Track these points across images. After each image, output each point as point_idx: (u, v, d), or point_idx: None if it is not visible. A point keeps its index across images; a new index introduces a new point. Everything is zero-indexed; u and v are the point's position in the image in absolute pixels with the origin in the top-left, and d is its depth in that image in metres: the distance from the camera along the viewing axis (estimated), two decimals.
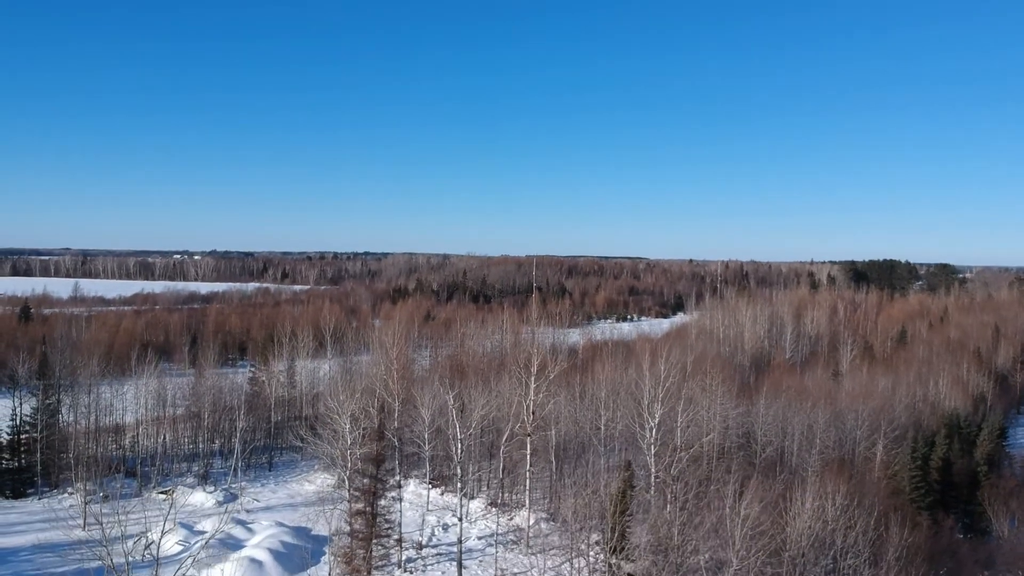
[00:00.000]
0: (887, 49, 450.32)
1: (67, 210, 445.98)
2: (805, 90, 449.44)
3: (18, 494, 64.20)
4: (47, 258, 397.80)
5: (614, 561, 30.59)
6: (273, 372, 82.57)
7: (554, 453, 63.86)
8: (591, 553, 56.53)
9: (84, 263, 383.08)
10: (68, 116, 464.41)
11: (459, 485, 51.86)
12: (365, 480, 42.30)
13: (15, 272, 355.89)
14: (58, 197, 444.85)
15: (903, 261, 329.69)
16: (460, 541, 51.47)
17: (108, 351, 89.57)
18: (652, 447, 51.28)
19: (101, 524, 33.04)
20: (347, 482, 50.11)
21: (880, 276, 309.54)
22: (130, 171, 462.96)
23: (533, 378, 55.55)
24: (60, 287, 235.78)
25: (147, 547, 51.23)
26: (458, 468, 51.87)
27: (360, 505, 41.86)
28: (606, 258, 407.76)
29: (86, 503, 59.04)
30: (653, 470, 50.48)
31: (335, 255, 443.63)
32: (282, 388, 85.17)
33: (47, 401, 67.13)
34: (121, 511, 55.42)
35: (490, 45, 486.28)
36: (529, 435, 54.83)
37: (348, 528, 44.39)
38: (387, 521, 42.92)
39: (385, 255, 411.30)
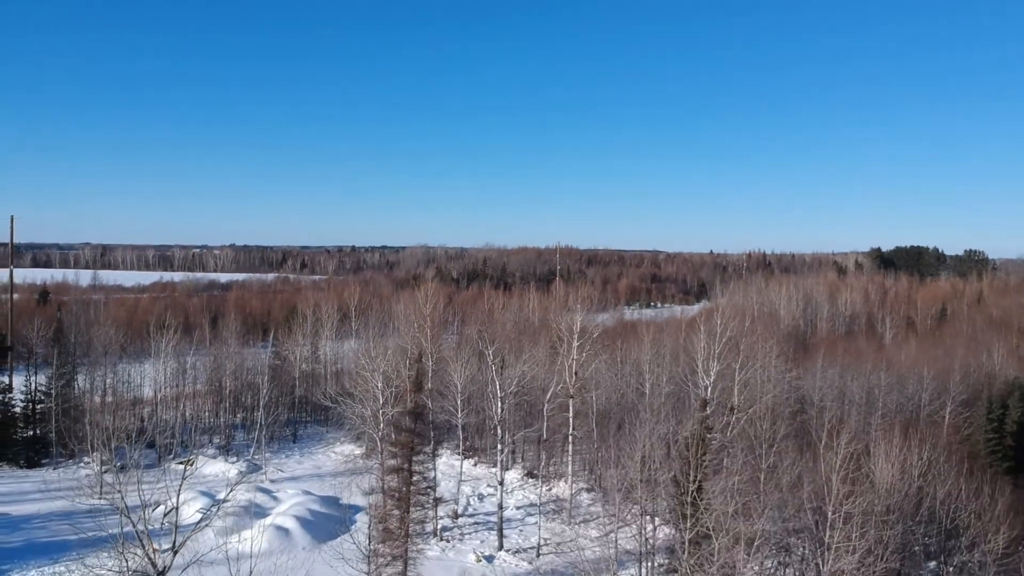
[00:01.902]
0: (907, 38, 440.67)
1: (86, 204, 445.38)
2: (820, 82, 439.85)
3: (32, 463, 61.44)
4: (67, 251, 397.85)
5: (690, 512, 26.96)
6: (297, 342, 79.48)
7: (595, 420, 60.34)
8: (639, 522, 53.00)
9: (103, 254, 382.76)
10: (85, 113, 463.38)
11: (499, 447, 48.34)
12: (402, 434, 38.76)
13: (35, 264, 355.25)
14: (77, 193, 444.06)
15: (930, 248, 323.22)
16: (501, 507, 48.10)
17: (127, 326, 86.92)
18: (708, 407, 47.46)
19: (122, 491, 29.91)
20: (379, 443, 46.77)
21: (907, 263, 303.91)
22: (148, 167, 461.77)
23: (576, 336, 51.87)
24: (79, 277, 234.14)
25: (166, 514, 48.31)
26: (498, 428, 48.31)
27: (396, 461, 38.32)
28: (624, 251, 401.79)
29: (102, 472, 56.21)
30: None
31: (353, 248, 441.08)
32: (306, 363, 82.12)
33: (61, 370, 64.23)
34: (139, 480, 52.44)
35: (502, 39, 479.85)
36: (571, 396, 51.24)
37: (383, 488, 41.00)
38: (425, 479, 39.39)
39: (402, 248, 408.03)
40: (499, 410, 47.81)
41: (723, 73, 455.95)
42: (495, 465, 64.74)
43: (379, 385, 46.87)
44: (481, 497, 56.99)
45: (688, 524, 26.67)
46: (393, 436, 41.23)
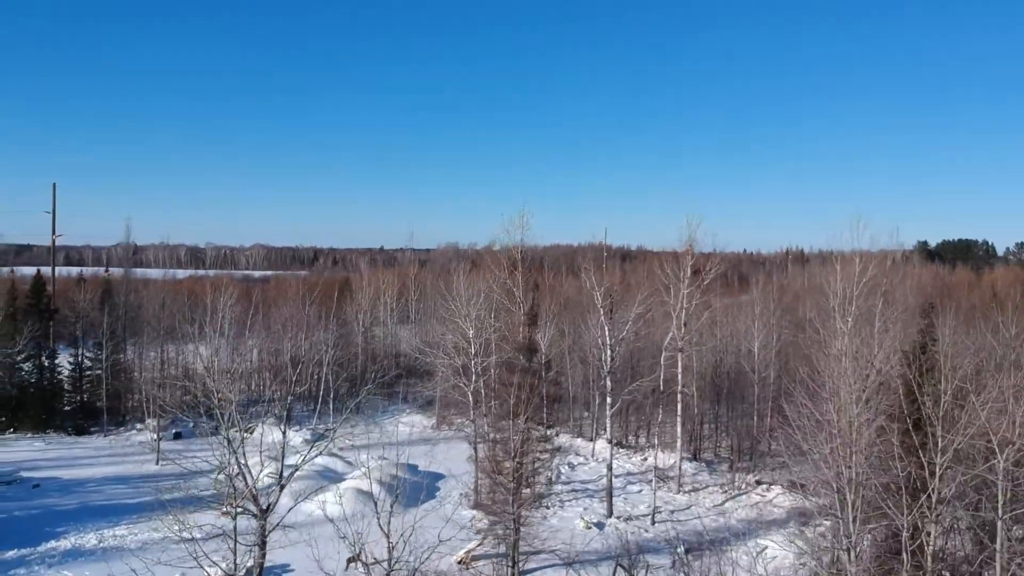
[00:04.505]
0: (936, 25, 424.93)
1: (118, 206, 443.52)
2: (840, 77, 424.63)
3: (81, 431, 57.14)
4: (99, 250, 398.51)
5: (941, 435, 21.42)
6: (361, 306, 74.83)
7: (695, 385, 54.92)
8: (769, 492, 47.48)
9: (135, 252, 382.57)
10: (113, 114, 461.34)
11: (608, 400, 42.95)
12: (515, 374, 33.58)
13: (68, 262, 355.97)
14: (109, 195, 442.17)
15: (979, 240, 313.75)
16: (610, 468, 42.91)
17: (174, 298, 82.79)
18: (843, 358, 41.79)
19: (227, 432, 26.18)
20: (470, 397, 41.74)
21: (956, 256, 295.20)
22: (177, 169, 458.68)
23: (685, 280, 46.45)
24: (114, 273, 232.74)
25: (232, 478, 43.88)
26: (607, 381, 42.97)
27: (507, 405, 33.07)
28: (655, 251, 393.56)
29: (159, 439, 51.81)
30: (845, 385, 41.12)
31: (382, 248, 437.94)
32: (363, 338, 77.58)
33: (111, 331, 59.87)
34: (198, 447, 48.15)
35: (519, 36, 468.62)
36: (681, 350, 45.80)
37: (474, 440, 35.90)
38: (539, 424, 34.18)
39: (430, 250, 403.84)
40: (608, 359, 42.45)
41: (738, 69, 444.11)
42: (579, 435, 59.68)
43: (470, 333, 41.75)
44: (572, 465, 51.73)
45: (939, 448, 21.28)
46: (505, 376, 36.08)
